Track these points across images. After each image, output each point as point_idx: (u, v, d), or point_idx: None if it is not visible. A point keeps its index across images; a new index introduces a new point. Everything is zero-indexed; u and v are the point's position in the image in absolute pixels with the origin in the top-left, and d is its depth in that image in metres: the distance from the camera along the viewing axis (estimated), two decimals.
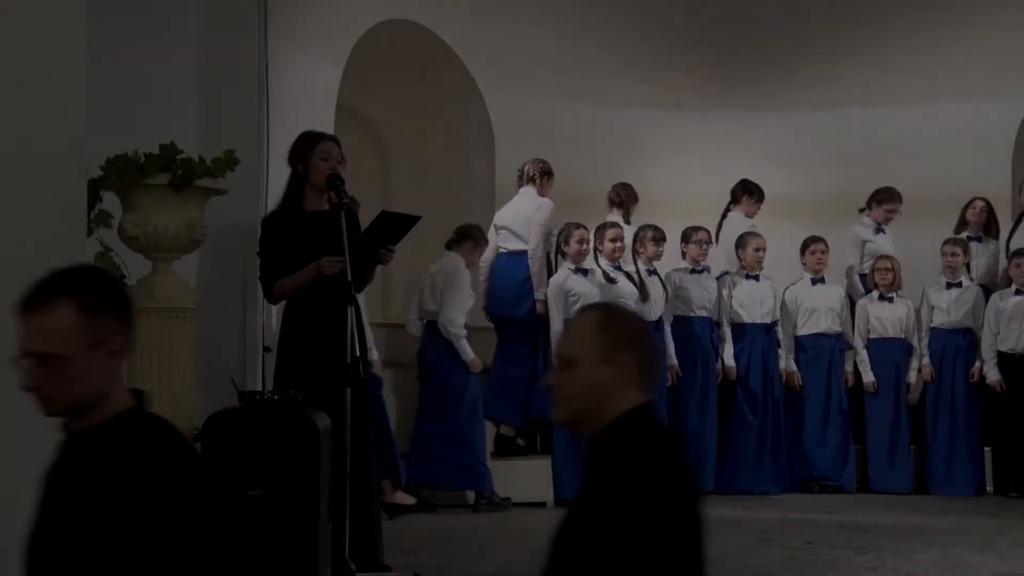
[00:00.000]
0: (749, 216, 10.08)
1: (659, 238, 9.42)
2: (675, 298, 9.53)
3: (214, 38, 6.50)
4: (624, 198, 9.75)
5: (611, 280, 9.07)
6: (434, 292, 8.59)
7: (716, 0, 11.05)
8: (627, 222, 9.62)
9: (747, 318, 9.67)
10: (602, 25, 10.89)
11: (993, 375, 9.50)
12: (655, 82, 11.06)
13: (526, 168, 9.32)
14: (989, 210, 10.03)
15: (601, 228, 9.25)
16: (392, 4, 9.87)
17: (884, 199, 10.14)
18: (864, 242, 10.13)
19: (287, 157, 6.22)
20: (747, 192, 10.11)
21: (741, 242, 9.81)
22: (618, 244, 9.17)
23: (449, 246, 8.77)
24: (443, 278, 8.57)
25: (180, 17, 6.42)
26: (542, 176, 9.26)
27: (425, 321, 8.68)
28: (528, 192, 9.26)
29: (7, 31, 4.32)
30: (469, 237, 8.78)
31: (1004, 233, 10.01)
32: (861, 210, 10.22)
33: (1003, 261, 9.95)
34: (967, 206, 10.05)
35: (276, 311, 6.71)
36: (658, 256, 9.46)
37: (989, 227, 10.05)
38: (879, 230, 10.14)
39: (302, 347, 6.04)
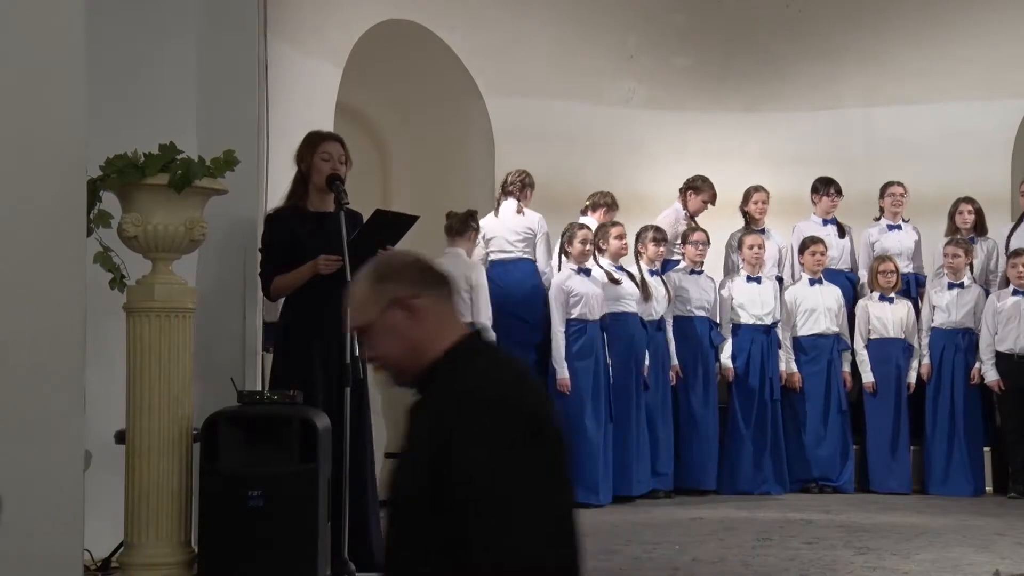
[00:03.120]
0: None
1: (660, 239, 9.43)
2: (675, 298, 9.53)
3: (214, 38, 6.49)
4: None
5: (615, 280, 9.06)
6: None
7: (716, 0, 11.06)
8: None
9: (745, 319, 9.67)
10: (602, 25, 10.90)
11: (991, 375, 9.49)
12: (655, 82, 11.07)
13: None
14: (978, 211, 10.01)
15: (603, 227, 9.25)
16: (392, 4, 9.87)
17: (882, 192, 10.17)
18: (872, 243, 10.14)
19: (294, 156, 6.29)
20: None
21: (739, 243, 9.83)
22: (623, 243, 9.19)
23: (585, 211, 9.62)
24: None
25: (180, 17, 6.41)
26: (687, 190, 10.02)
27: None
28: (676, 205, 10.04)
29: (6, 31, 4.32)
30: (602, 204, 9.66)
31: (1003, 233, 10.00)
32: (876, 219, 10.23)
33: (997, 260, 9.93)
34: (954, 210, 10.03)
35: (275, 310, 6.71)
36: (659, 256, 9.46)
37: (979, 228, 10.03)
38: (892, 227, 10.13)
39: (300, 346, 6.04)
